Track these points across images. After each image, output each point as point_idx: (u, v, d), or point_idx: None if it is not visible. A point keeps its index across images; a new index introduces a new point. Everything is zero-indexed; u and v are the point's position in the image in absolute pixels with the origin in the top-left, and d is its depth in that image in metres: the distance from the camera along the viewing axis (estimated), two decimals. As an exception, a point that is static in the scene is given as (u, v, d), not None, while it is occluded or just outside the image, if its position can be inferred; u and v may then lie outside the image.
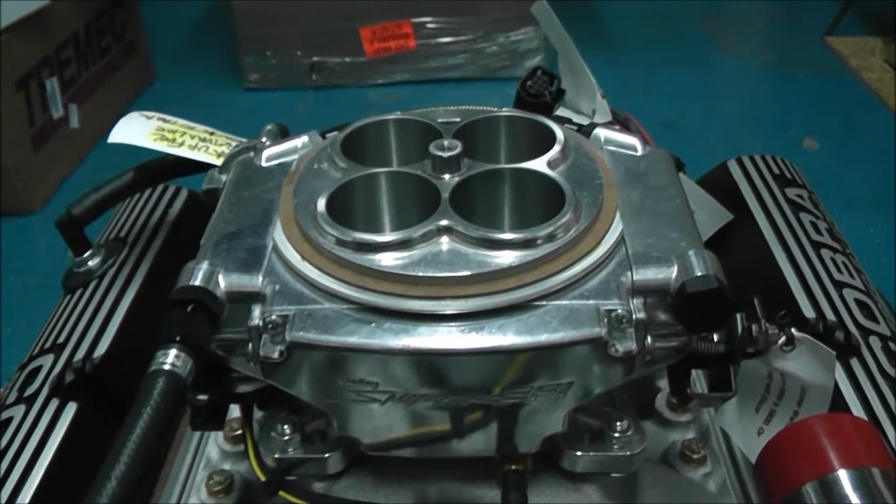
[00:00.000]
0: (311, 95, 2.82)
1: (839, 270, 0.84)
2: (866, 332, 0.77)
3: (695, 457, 0.78)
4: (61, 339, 0.79)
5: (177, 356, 0.54)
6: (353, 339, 0.55)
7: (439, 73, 2.79)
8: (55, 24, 2.46)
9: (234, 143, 0.86)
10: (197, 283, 0.58)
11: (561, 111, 0.89)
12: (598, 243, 0.59)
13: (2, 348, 1.72)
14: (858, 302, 0.81)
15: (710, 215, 0.91)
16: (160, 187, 0.99)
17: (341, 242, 0.58)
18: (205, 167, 0.84)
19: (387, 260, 0.57)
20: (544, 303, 0.57)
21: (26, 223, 2.30)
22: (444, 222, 0.59)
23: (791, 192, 0.95)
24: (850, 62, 2.80)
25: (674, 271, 0.58)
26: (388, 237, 0.58)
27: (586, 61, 0.89)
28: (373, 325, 0.56)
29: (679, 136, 2.42)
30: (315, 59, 2.81)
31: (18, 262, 2.14)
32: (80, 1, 2.58)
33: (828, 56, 2.90)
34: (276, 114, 2.70)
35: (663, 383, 0.82)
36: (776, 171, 0.98)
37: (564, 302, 0.57)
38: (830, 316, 0.78)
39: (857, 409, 0.70)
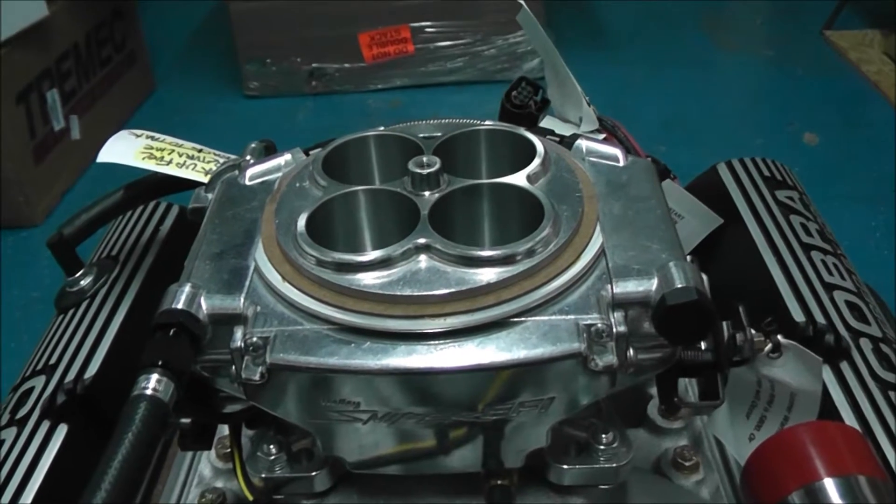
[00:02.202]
0: (311, 102, 2.82)
1: (829, 272, 0.84)
2: (857, 335, 0.77)
3: (687, 464, 0.78)
4: (53, 360, 0.80)
5: (158, 381, 0.54)
6: (333, 360, 0.55)
7: (438, 78, 2.79)
8: (55, 36, 2.47)
9: (221, 160, 0.87)
10: (179, 306, 0.58)
11: (548, 120, 0.89)
12: (578, 257, 0.59)
13: (5, 361, 1.72)
14: (849, 304, 0.80)
15: (700, 220, 0.91)
16: (151, 204, 0.99)
17: (321, 263, 0.58)
18: (194, 184, 0.84)
19: (366, 279, 0.57)
20: (524, 319, 0.56)
21: (28, 236, 2.31)
22: (422, 240, 0.59)
23: (781, 195, 0.94)
24: (849, 55, 2.79)
25: (654, 284, 0.57)
26: (367, 257, 0.58)
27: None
28: (352, 345, 0.56)
29: (679, 134, 2.42)
30: (314, 65, 2.81)
31: (21, 275, 2.15)
32: (79, 12, 2.58)
33: (827, 50, 2.88)
34: (276, 121, 2.72)
35: (655, 390, 0.82)
36: (766, 173, 0.98)
37: (544, 318, 0.57)
38: (820, 319, 0.77)
39: (846, 414, 0.70)
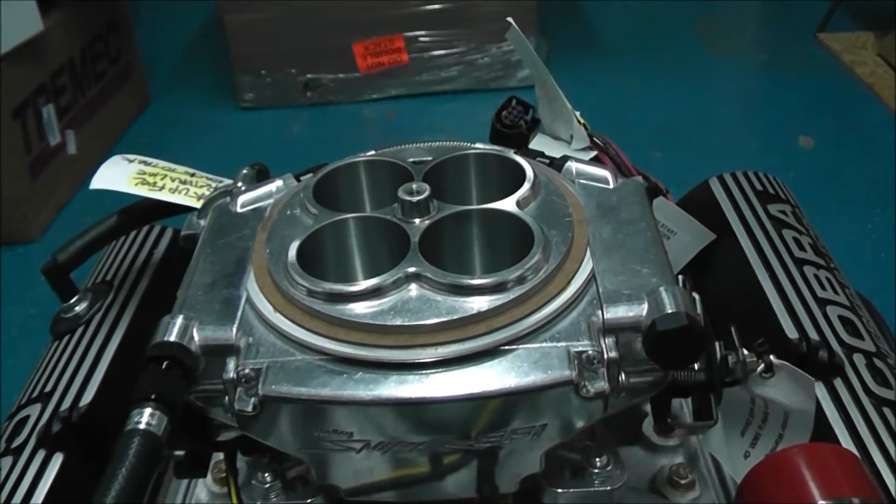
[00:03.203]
0: (306, 113, 2.82)
1: (822, 287, 0.84)
2: (850, 350, 0.77)
3: (683, 482, 0.78)
4: (48, 388, 0.80)
5: (151, 415, 0.54)
6: (325, 391, 0.55)
7: (432, 87, 2.79)
8: (50, 51, 2.47)
9: (213, 185, 0.87)
10: (172, 338, 0.58)
11: (539, 138, 0.89)
12: (568, 283, 0.59)
13: (3, 379, 1.72)
14: (842, 319, 0.80)
15: (692, 236, 0.91)
16: (145, 228, 0.99)
17: (312, 293, 0.59)
18: (187, 208, 0.84)
19: (358, 309, 0.58)
20: (515, 347, 0.57)
21: (26, 252, 2.31)
22: (412, 269, 0.59)
23: (774, 209, 0.94)
24: (843, 58, 2.78)
25: (644, 309, 0.58)
26: (358, 287, 0.58)
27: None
28: (344, 375, 0.56)
29: (675, 140, 2.41)
30: (309, 76, 2.81)
31: (19, 292, 2.14)
32: (74, 26, 2.58)
33: (820, 53, 2.88)
34: (272, 133, 2.71)
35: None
36: (759, 187, 0.98)
37: (535, 345, 0.57)
38: (813, 335, 0.77)
39: (840, 432, 0.70)
